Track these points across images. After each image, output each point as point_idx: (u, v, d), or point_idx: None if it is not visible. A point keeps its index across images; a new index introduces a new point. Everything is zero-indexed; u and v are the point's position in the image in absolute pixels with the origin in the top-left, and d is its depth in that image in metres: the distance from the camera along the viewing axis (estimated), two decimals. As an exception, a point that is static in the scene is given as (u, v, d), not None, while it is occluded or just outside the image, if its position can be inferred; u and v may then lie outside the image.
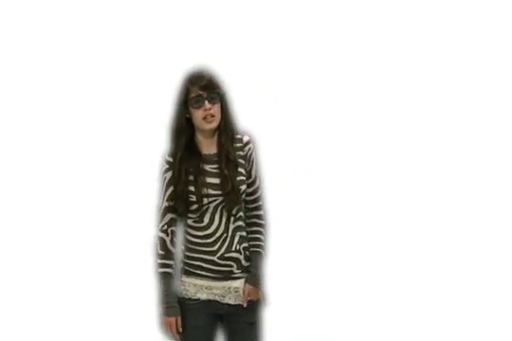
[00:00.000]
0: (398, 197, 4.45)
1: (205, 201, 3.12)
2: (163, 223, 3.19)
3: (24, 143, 4.30)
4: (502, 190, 4.48)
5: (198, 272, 3.17)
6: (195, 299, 3.17)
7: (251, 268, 3.21)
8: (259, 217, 3.29)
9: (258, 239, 3.26)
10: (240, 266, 3.19)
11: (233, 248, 3.17)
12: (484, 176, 4.48)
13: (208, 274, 3.16)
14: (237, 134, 3.21)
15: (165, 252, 3.17)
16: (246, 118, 3.31)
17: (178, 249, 3.23)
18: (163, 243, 3.18)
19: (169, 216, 3.18)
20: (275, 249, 3.33)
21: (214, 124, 3.14)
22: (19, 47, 4.29)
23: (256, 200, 3.28)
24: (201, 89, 3.10)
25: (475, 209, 4.47)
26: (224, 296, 3.18)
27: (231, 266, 3.17)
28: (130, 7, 4.20)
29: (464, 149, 4.47)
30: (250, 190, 3.24)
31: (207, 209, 3.15)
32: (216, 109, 3.12)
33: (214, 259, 3.15)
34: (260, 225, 3.28)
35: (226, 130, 3.17)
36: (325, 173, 4.35)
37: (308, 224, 4.32)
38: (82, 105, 4.26)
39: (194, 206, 3.14)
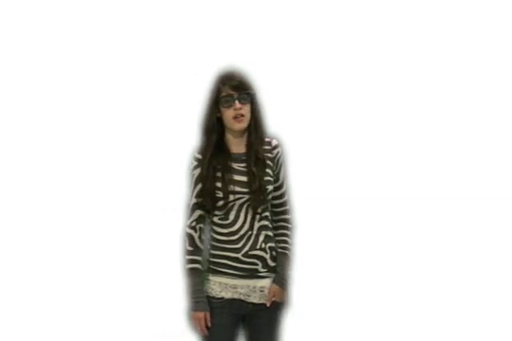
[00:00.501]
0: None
1: (231, 198, 3.17)
2: (192, 219, 3.24)
3: (57, 145, 4.40)
4: (503, 192, 4.48)
5: (223, 270, 3.20)
6: (219, 298, 3.21)
7: (279, 269, 3.24)
8: (286, 221, 3.31)
9: (285, 241, 3.28)
10: (265, 265, 3.21)
11: (258, 246, 3.19)
12: (483, 178, 4.49)
13: (233, 272, 3.19)
14: (266, 136, 3.26)
15: (193, 248, 3.22)
16: (277, 120, 3.35)
17: (206, 247, 3.27)
18: (191, 240, 3.22)
19: (197, 213, 3.23)
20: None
21: (244, 124, 3.19)
22: (39, 46, 4.39)
23: (283, 204, 3.31)
24: (232, 89, 3.15)
25: (475, 210, 4.47)
26: (249, 296, 3.21)
27: (256, 264, 3.20)
28: (163, 5, 4.27)
29: (463, 151, 4.49)
30: (277, 194, 3.28)
31: (232, 206, 3.19)
32: (246, 109, 3.17)
33: (239, 256, 3.18)
34: (287, 228, 3.30)
35: (256, 130, 3.22)
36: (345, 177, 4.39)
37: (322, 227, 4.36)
38: (116, 104, 4.33)
39: (221, 203, 3.18)
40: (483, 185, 4.50)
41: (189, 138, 3.33)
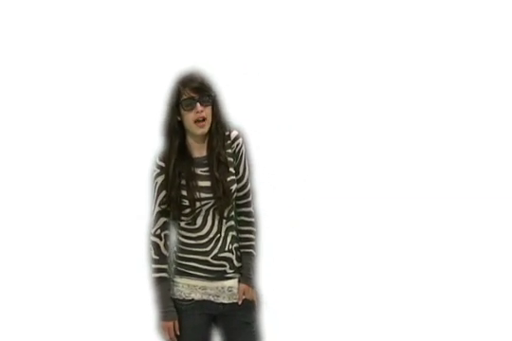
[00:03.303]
0: (393, 196, 4.47)
1: (197, 205, 3.11)
2: (156, 227, 3.16)
3: (19, 144, 4.29)
4: (503, 192, 4.51)
5: (192, 272, 3.15)
6: (189, 300, 3.16)
7: (243, 270, 3.21)
8: (248, 214, 3.25)
9: (248, 239, 3.24)
10: (232, 266, 3.18)
11: (226, 248, 3.16)
12: (483, 178, 4.51)
13: (201, 274, 3.15)
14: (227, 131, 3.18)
15: (159, 257, 3.15)
16: (238, 119, 3.27)
17: (171, 252, 3.21)
18: (157, 248, 3.16)
19: (162, 220, 3.16)
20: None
21: (205, 128, 3.10)
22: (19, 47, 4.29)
23: (245, 196, 3.24)
24: (193, 91, 3.07)
25: (473, 210, 4.50)
26: (218, 296, 3.17)
27: (225, 266, 3.16)
28: (126, 7, 4.18)
29: (460, 152, 4.51)
30: (239, 186, 3.21)
31: (199, 212, 3.13)
32: (208, 111, 3.09)
33: (208, 259, 3.13)
34: (249, 224, 3.25)
35: (217, 133, 3.14)
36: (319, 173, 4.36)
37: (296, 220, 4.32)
38: (74, 107, 4.24)
39: (187, 210, 3.12)
40: (482, 184, 4.51)
41: (149, 143, 3.25)
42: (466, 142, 4.50)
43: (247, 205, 3.26)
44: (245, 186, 3.23)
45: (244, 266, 3.21)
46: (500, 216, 4.49)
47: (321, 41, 4.36)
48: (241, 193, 3.23)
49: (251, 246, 3.24)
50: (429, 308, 4.47)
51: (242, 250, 3.22)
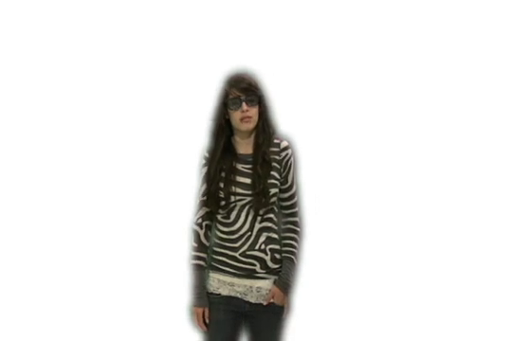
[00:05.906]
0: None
1: (232, 199, 3.21)
2: (198, 216, 3.30)
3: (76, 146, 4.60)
4: (503, 192, 4.41)
5: (222, 267, 3.25)
6: (217, 294, 3.26)
7: (282, 273, 3.26)
8: (294, 223, 3.32)
9: (291, 245, 3.29)
10: (264, 266, 3.24)
11: (257, 247, 3.22)
12: (483, 179, 4.42)
13: (230, 270, 3.24)
14: (276, 137, 3.27)
15: (198, 245, 3.28)
16: (287, 122, 3.36)
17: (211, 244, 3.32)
18: (197, 236, 3.29)
19: (204, 210, 3.28)
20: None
21: (251, 125, 3.21)
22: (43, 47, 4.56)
23: (292, 206, 3.31)
24: (239, 91, 3.19)
25: (474, 211, 4.42)
26: (246, 294, 3.24)
27: (254, 265, 3.23)
28: (176, 9, 4.34)
29: (460, 156, 4.43)
30: (286, 196, 3.29)
31: (234, 207, 3.23)
32: (254, 111, 3.20)
33: (236, 255, 3.22)
34: (294, 232, 3.31)
35: (263, 131, 3.24)
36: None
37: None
38: (130, 107, 4.49)
39: (223, 203, 3.22)
40: (492, 189, 4.45)
41: (198, 139, 3.38)
42: (480, 154, 4.42)
43: (294, 214, 3.32)
44: (292, 196, 3.30)
45: (283, 270, 3.26)
46: (501, 217, 4.38)
47: (334, 47, 4.37)
48: (288, 203, 3.30)
49: (293, 253, 3.28)
50: (435, 310, 4.41)
51: (283, 255, 3.27)
